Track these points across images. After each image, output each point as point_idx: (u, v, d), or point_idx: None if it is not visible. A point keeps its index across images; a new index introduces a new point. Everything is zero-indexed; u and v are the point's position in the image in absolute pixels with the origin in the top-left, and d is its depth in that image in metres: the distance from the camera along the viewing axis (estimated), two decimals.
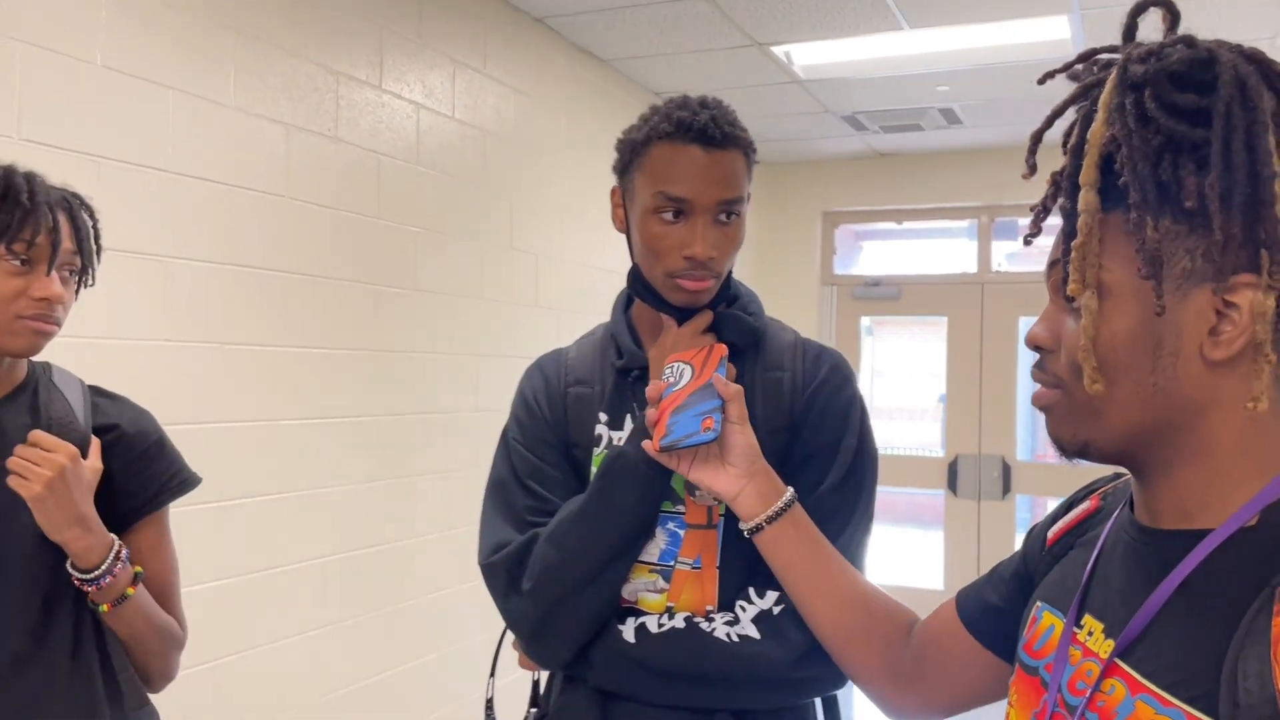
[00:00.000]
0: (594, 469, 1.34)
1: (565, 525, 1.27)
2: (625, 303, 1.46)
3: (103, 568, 1.28)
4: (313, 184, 2.78)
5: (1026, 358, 6.02)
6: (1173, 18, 0.80)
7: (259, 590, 2.62)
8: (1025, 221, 5.76)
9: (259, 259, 2.61)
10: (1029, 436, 5.99)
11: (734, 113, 1.33)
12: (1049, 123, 0.86)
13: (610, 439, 1.36)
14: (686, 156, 1.26)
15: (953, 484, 5.86)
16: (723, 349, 1.25)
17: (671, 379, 1.24)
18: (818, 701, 1.38)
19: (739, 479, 1.20)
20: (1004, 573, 1.07)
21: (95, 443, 1.33)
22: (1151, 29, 0.81)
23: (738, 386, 1.22)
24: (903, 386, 8.96)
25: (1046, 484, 5.73)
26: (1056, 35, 3.87)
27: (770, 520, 1.19)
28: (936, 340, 6.07)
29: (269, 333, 2.64)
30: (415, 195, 3.18)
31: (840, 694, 1.37)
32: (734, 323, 1.35)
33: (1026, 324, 5.80)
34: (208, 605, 2.45)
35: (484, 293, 3.50)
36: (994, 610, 1.05)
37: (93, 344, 2.19)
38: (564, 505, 1.31)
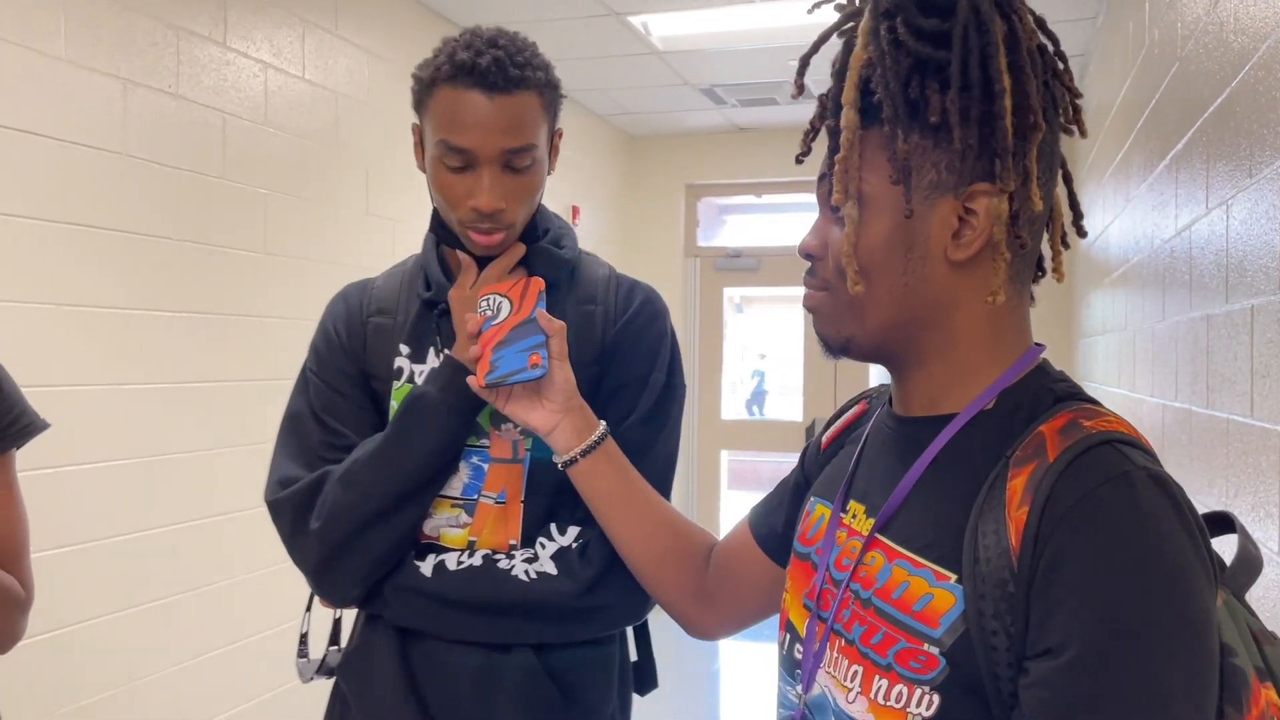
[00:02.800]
0: (394, 404, 1.30)
1: (359, 466, 1.24)
2: (435, 235, 1.40)
3: None
4: (153, 142, 2.71)
5: None
6: None
7: (104, 557, 2.57)
8: None
9: (96, 218, 2.54)
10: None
11: (531, 48, 1.25)
12: (815, 48, 0.93)
13: (412, 372, 1.31)
14: (468, 102, 1.19)
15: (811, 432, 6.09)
16: (540, 283, 1.23)
17: (489, 312, 1.22)
18: (629, 633, 1.39)
19: (555, 414, 1.20)
20: (786, 485, 1.15)
21: None
22: None
23: (560, 322, 1.20)
24: (774, 362, 9.20)
25: None
26: None
27: (584, 454, 1.21)
28: (794, 308, 6.27)
29: (109, 294, 2.58)
30: (264, 157, 3.13)
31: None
32: (546, 256, 1.32)
33: None
34: (50, 572, 2.39)
35: (341, 258, 3.47)
36: (780, 530, 1.12)
37: None
38: (360, 444, 1.28)
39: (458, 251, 1.31)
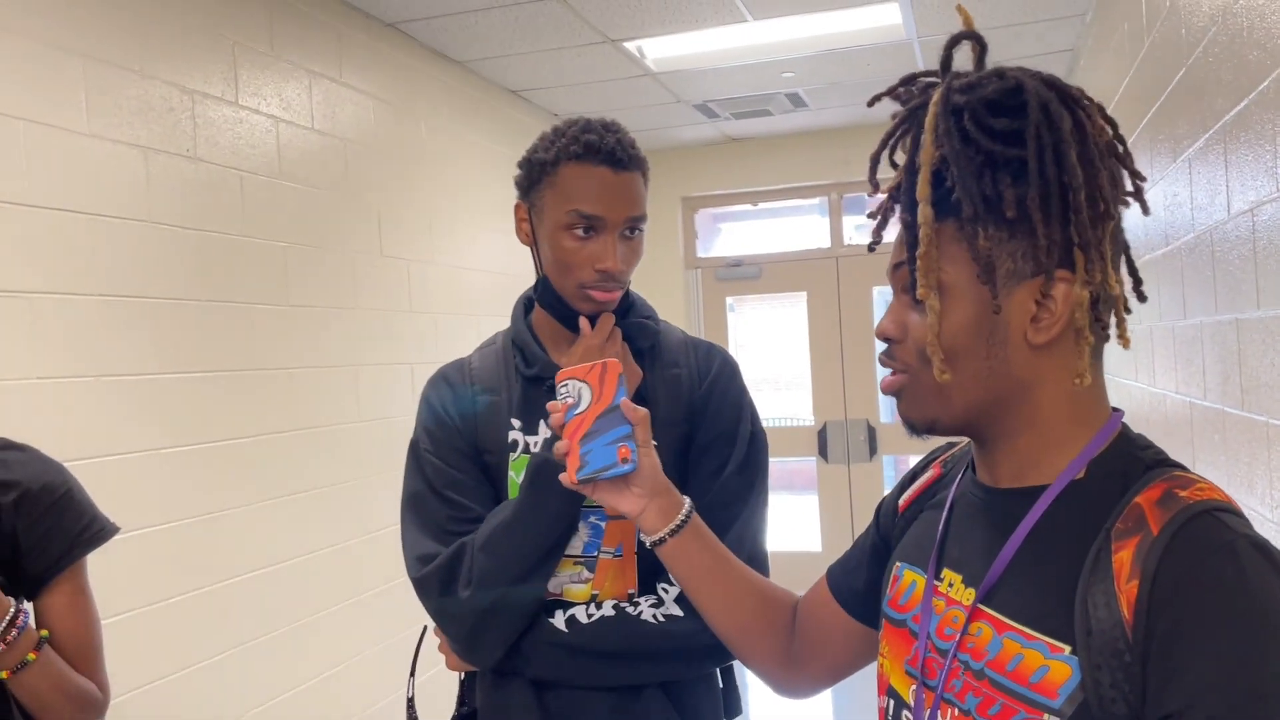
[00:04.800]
0: (512, 474, 1.41)
1: (499, 532, 1.33)
2: (524, 310, 1.51)
3: None
4: (175, 206, 2.73)
5: None
6: (981, 48, 0.93)
7: (154, 623, 2.59)
8: (873, 199, 6.06)
9: (126, 287, 2.56)
10: (890, 400, 6.30)
11: (630, 135, 1.41)
12: (884, 145, 0.97)
13: (526, 444, 1.42)
14: (597, 177, 1.34)
15: (823, 450, 6.14)
16: (618, 366, 1.23)
17: (570, 399, 1.22)
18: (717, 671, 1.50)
19: (642, 499, 1.20)
20: (864, 546, 1.17)
21: None
22: (963, 58, 0.94)
23: (644, 411, 1.22)
24: (767, 359, 9.25)
25: (909, 443, 6.03)
26: (889, 20, 4.10)
27: (671, 534, 1.21)
28: (796, 310, 6.32)
29: (143, 361, 2.60)
30: (280, 210, 3.16)
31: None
32: (639, 330, 1.46)
33: (880, 292, 6.12)
34: (109, 642, 2.41)
35: (358, 302, 3.50)
36: (865, 589, 1.14)
37: None
38: (492, 513, 1.37)
39: (580, 319, 1.41)
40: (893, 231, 0.97)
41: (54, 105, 2.38)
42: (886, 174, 0.97)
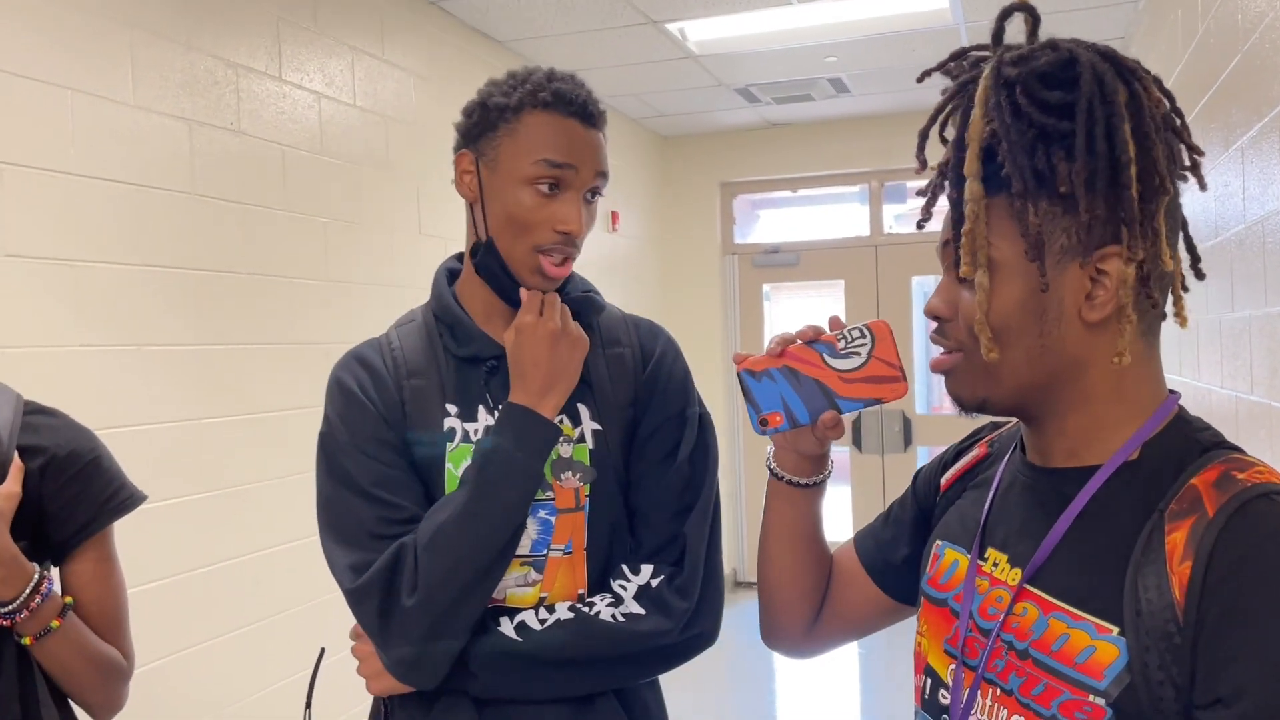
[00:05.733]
0: (450, 466, 1.25)
1: (448, 530, 1.17)
2: (448, 280, 1.35)
3: (17, 601, 1.19)
4: (218, 179, 2.76)
5: (922, 316, 6.27)
6: (1034, 21, 0.91)
7: (190, 591, 2.63)
8: (914, 184, 5.90)
9: (168, 258, 2.59)
10: (926, 390, 6.26)
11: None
12: (933, 121, 0.95)
13: (466, 432, 1.26)
14: (567, 129, 1.22)
15: (857, 440, 6.10)
16: (891, 396, 1.04)
17: (841, 345, 1.04)
18: None
19: (791, 448, 1.12)
20: (902, 520, 1.15)
21: (16, 466, 1.22)
22: (1015, 30, 0.92)
23: (840, 432, 1.06)
24: None
25: (945, 435, 6.01)
26: (936, 5, 4.05)
27: (794, 483, 1.14)
28: (834, 299, 6.28)
29: (183, 332, 2.64)
30: (321, 186, 3.18)
31: None
32: (585, 304, 1.33)
33: (920, 283, 6.06)
34: (138, 608, 2.45)
35: (395, 279, 3.52)
36: (900, 561, 1.12)
37: (6, 353, 2.17)
38: (433, 509, 1.21)
39: (522, 290, 1.26)
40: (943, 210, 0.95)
41: (101, 76, 2.41)
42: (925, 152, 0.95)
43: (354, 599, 1.21)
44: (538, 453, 1.21)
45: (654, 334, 1.38)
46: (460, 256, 1.36)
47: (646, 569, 1.27)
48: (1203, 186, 0.91)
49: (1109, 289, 0.85)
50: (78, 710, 1.34)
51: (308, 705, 1.41)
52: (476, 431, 1.26)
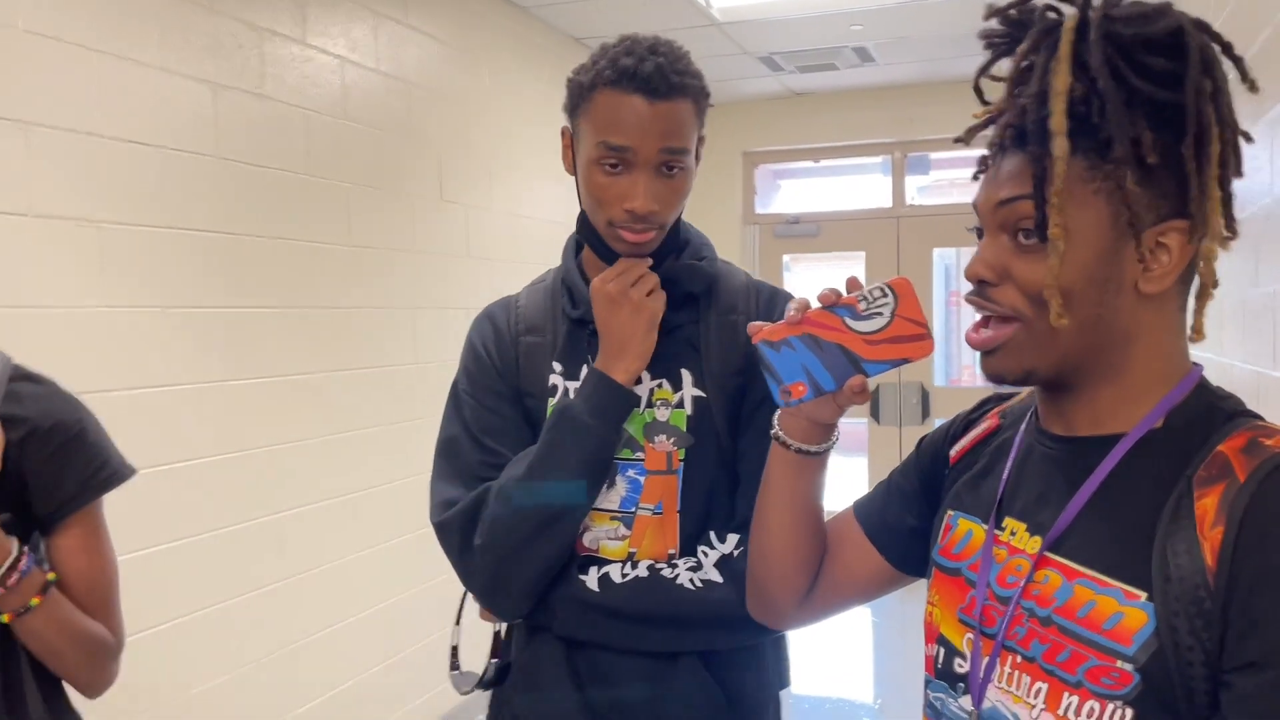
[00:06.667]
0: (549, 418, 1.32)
1: (513, 483, 1.25)
2: (575, 248, 1.41)
3: None
4: (241, 142, 2.77)
5: (942, 289, 6.24)
6: None
7: (213, 550, 2.67)
8: (937, 156, 5.82)
9: (192, 220, 2.61)
10: (945, 362, 6.24)
11: (686, 56, 1.27)
12: (986, 68, 0.93)
13: (566, 389, 1.33)
14: (629, 107, 1.22)
15: (875, 412, 6.09)
16: (918, 355, 1.01)
17: (863, 307, 1.00)
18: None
19: (801, 417, 1.08)
20: (906, 490, 1.13)
21: None
22: None
23: (867, 397, 1.02)
24: None
25: (963, 406, 5.94)
26: None
27: (799, 450, 1.09)
28: (854, 270, 6.23)
29: (207, 294, 2.66)
30: (344, 150, 3.19)
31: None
32: (689, 273, 1.34)
33: (941, 255, 6.02)
34: (162, 566, 2.50)
35: (416, 245, 3.53)
36: (906, 530, 1.11)
37: (31, 313, 2.19)
38: (513, 461, 1.29)
39: (620, 259, 1.30)
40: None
41: (126, 38, 2.42)
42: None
43: (439, 532, 1.32)
44: (604, 415, 1.26)
45: (773, 302, 1.37)
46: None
47: (733, 538, 1.30)
48: (1239, 173, 0.90)
49: (1167, 263, 0.84)
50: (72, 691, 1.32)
51: (456, 621, 1.54)
52: (574, 389, 1.32)
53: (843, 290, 1.01)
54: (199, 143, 2.63)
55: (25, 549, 1.19)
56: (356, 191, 3.23)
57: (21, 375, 1.24)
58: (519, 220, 4.18)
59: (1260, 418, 0.86)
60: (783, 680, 1.42)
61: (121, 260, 2.41)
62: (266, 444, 2.86)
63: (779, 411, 1.10)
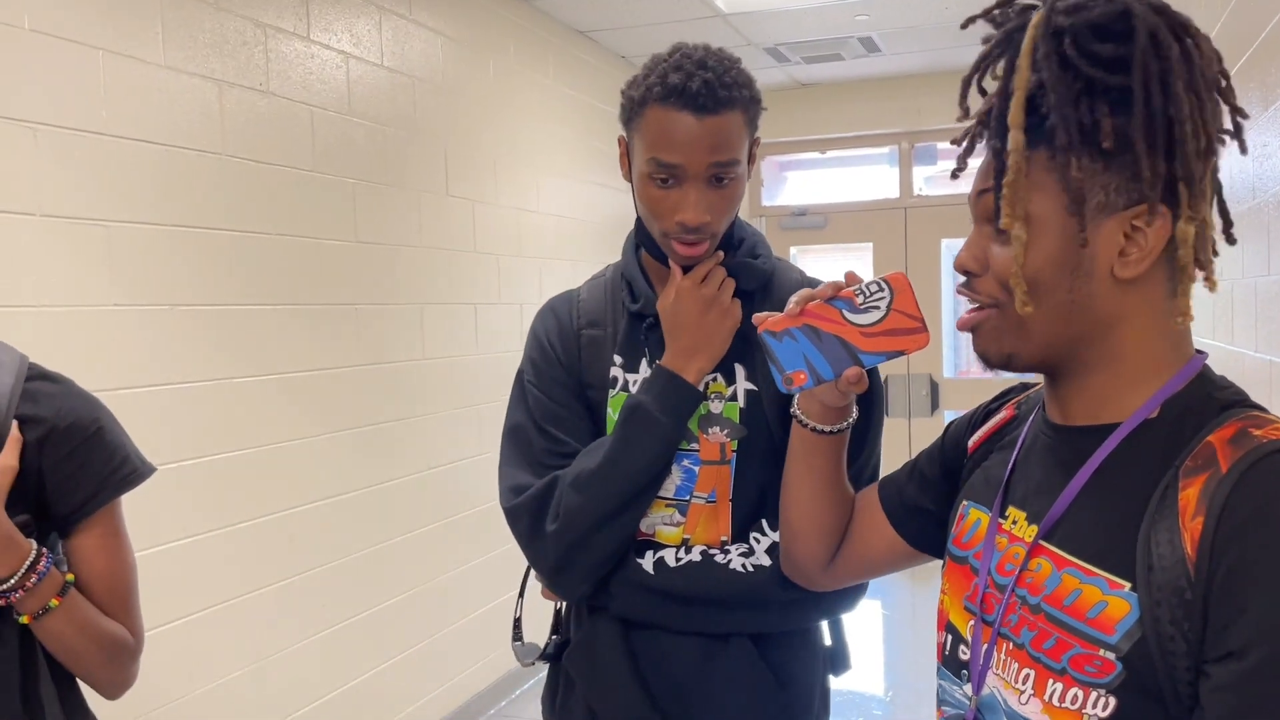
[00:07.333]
0: (610, 411, 1.39)
1: (589, 473, 1.31)
2: (637, 244, 1.45)
3: (12, 579, 1.15)
4: (247, 139, 2.77)
5: (950, 279, 6.22)
6: None
7: (224, 546, 2.68)
8: (944, 146, 5.80)
9: (199, 218, 2.62)
10: (954, 354, 6.22)
11: (737, 66, 1.29)
12: (976, 69, 0.93)
13: (626, 381, 1.39)
14: (679, 123, 1.25)
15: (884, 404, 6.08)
16: (913, 347, 1.06)
17: (860, 300, 1.05)
18: (824, 624, 1.46)
19: (814, 399, 1.15)
20: (927, 474, 1.16)
21: (14, 438, 1.17)
22: None
23: (864, 385, 1.09)
24: None
25: (972, 398, 5.89)
26: None
27: (816, 430, 1.16)
28: (862, 262, 6.23)
29: (214, 291, 2.66)
30: (349, 146, 3.19)
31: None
32: (746, 269, 1.38)
33: (949, 245, 6.00)
34: (174, 563, 2.50)
35: (422, 241, 3.53)
36: (921, 511, 1.15)
37: (38, 312, 2.20)
38: (584, 451, 1.35)
39: (671, 264, 1.36)
40: (976, 161, 0.94)
41: (131, 36, 2.42)
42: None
43: (510, 516, 1.38)
44: (676, 413, 1.31)
45: None
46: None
47: None
48: (1244, 150, 0.89)
49: (1143, 247, 0.84)
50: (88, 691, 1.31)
51: (520, 594, 1.60)
52: (636, 382, 1.38)
53: (843, 283, 1.09)
54: (205, 140, 2.63)
55: (44, 550, 1.18)
56: (362, 187, 3.23)
57: (38, 375, 1.24)
58: (524, 215, 4.18)
59: (1260, 408, 0.85)
60: (836, 665, 1.48)
61: (128, 258, 2.41)
62: (273, 441, 2.87)
63: (798, 396, 1.18)
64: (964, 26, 0.97)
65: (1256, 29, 2.51)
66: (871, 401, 1.35)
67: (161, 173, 2.50)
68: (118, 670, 1.28)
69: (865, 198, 6.26)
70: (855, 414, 1.19)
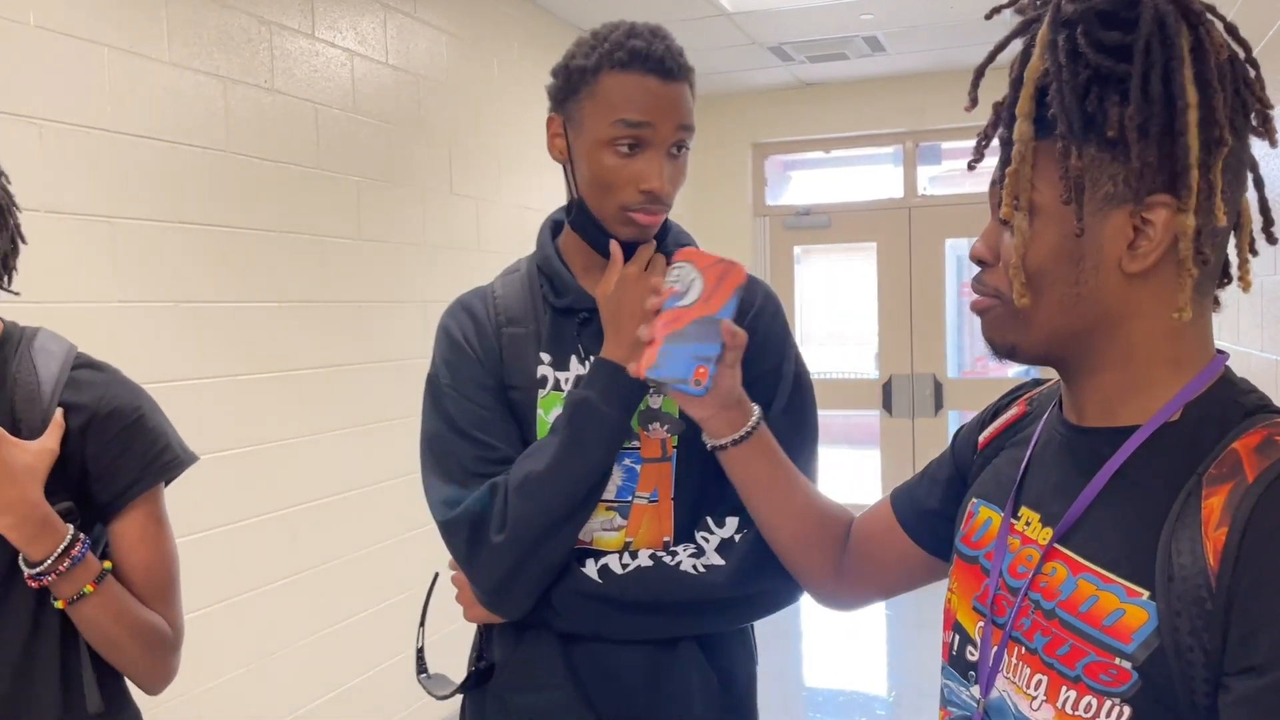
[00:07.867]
0: (541, 412, 1.31)
1: (536, 477, 1.24)
2: (552, 233, 1.39)
3: (46, 563, 1.15)
4: (252, 137, 2.77)
5: (954, 278, 6.21)
6: None
7: (228, 543, 2.68)
8: (949, 146, 5.79)
9: (205, 215, 2.62)
10: (958, 354, 6.21)
11: (678, 42, 1.28)
12: (990, 58, 0.92)
13: (557, 380, 1.31)
14: (644, 87, 1.22)
15: (887, 404, 6.07)
16: (742, 274, 1.15)
17: (678, 286, 1.14)
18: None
19: (710, 408, 1.20)
20: (938, 476, 1.15)
21: (56, 422, 1.18)
22: None
23: (743, 335, 1.17)
24: (833, 312, 9.12)
25: (977, 399, 5.96)
26: None
27: (734, 442, 1.20)
28: (865, 261, 6.23)
29: (218, 289, 2.66)
30: (353, 144, 3.18)
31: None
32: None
33: (953, 245, 5.99)
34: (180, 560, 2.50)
35: (427, 239, 3.53)
36: (931, 514, 1.13)
37: (44, 309, 2.19)
38: (525, 454, 1.27)
39: (612, 243, 1.30)
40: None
41: (136, 33, 2.42)
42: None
43: (446, 531, 1.28)
44: (624, 407, 1.25)
45: (754, 287, 1.37)
46: (567, 208, 1.38)
47: (732, 522, 1.30)
48: (1273, 143, 0.87)
49: (1153, 239, 0.82)
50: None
51: (421, 624, 1.47)
52: (567, 380, 1.31)
53: (655, 293, 1.18)
54: (209, 137, 2.63)
55: (80, 536, 1.18)
56: (366, 185, 3.23)
57: (85, 363, 1.26)
58: (528, 213, 4.18)
59: None
60: (755, 657, 1.43)
61: (133, 255, 2.41)
62: (278, 438, 2.86)
63: (703, 432, 1.21)
64: (989, 16, 0.95)
65: (1260, 33, 2.50)
66: (778, 386, 1.33)
67: (166, 169, 2.50)
68: (157, 661, 1.28)
69: (869, 197, 6.25)
70: (756, 411, 1.20)
